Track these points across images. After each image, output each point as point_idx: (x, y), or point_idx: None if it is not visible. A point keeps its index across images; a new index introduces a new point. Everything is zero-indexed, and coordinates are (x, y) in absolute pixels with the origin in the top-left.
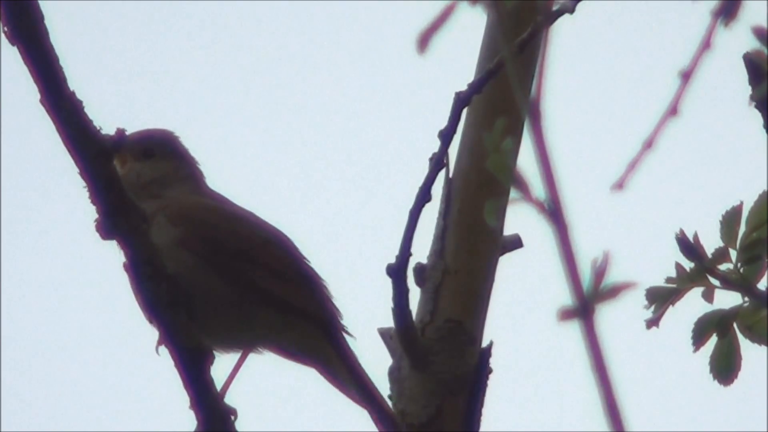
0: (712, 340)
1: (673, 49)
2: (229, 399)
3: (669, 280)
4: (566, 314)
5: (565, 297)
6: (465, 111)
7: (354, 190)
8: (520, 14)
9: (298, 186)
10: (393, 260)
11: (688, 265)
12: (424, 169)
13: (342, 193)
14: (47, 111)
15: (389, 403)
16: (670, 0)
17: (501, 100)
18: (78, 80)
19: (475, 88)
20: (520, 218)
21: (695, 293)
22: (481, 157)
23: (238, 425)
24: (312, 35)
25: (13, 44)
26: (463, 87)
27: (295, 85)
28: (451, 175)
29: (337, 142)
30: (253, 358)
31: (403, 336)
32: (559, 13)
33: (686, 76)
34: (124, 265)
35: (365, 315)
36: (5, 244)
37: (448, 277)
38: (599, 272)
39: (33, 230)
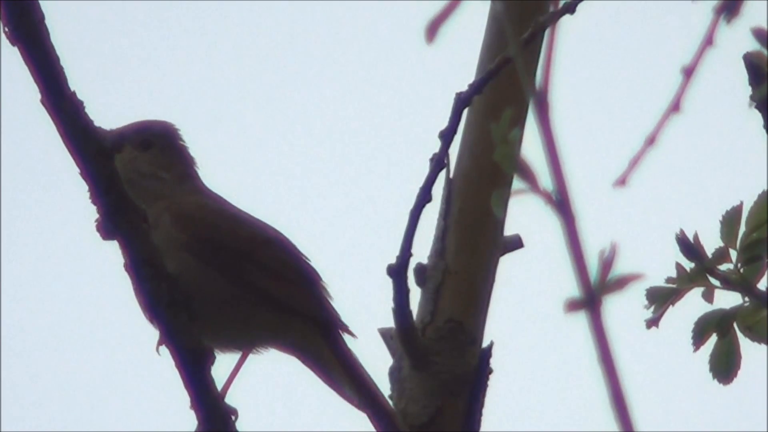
0: (712, 340)
1: (676, 46)
2: (230, 399)
3: (669, 280)
4: (573, 305)
5: (571, 288)
6: (465, 111)
7: (354, 190)
8: (525, 7)
9: (299, 186)
10: (394, 260)
11: (688, 265)
12: (424, 170)
13: (342, 193)
14: (48, 111)
15: (391, 403)
16: None
17: (504, 93)
18: (78, 80)
19: (476, 88)
20: (520, 218)
21: (695, 293)
22: (481, 157)
23: (238, 425)
24: (312, 35)
25: (13, 44)
26: (464, 87)
27: (295, 84)
28: (451, 175)
29: (338, 142)
30: (253, 358)
31: (404, 336)
32: (561, 13)
33: (688, 72)
34: (125, 266)
35: (366, 315)
36: (5, 245)
37: (449, 277)
38: (606, 263)
39: (33, 230)
